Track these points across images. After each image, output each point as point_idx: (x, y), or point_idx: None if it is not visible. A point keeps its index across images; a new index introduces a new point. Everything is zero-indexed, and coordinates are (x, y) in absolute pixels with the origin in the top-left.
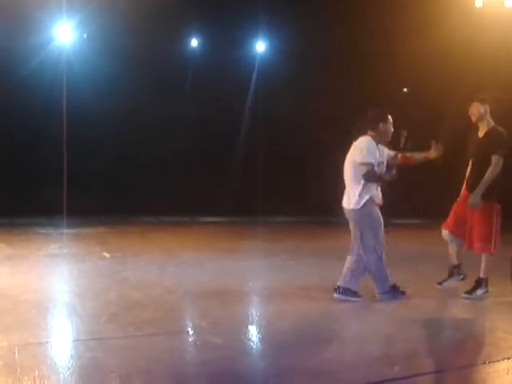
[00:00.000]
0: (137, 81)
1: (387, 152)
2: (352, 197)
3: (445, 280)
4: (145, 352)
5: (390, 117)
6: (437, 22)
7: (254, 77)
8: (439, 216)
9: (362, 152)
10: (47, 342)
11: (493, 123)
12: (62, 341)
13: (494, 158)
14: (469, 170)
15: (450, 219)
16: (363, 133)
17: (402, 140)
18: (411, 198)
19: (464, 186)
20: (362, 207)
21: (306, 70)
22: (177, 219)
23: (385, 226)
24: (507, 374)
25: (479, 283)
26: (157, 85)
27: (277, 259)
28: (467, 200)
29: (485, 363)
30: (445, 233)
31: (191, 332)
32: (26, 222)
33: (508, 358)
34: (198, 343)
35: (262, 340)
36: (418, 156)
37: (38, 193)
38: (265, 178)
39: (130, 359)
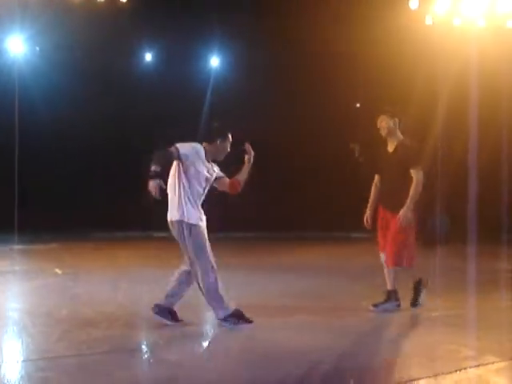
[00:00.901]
0: (90, 94)
1: (217, 172)
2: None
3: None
4: (98, 370)
5: (230, 136)
6: (387, 38)
7: (209, 91)
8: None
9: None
10: None
11: (401, 137)
12: (11, 361)
13: (414, 173)
14: (379, 186)
15: (380, 242)
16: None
17: (356, 153)
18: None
19: (378, 204)
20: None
21: (259, 85)
22: (131, 234)
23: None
24: None
25: (389, 296)
26: (110, 98)
27: (239, 275)
28: (388, 218)
29: (437, 375)
30: (381, 256)
31: (145, 349)
32: None
33: (459, 370)
34: (152, 361)
35: (217, 356)
36: (243, 171)
37: None
38: (221, 194)
39: (83, 378)
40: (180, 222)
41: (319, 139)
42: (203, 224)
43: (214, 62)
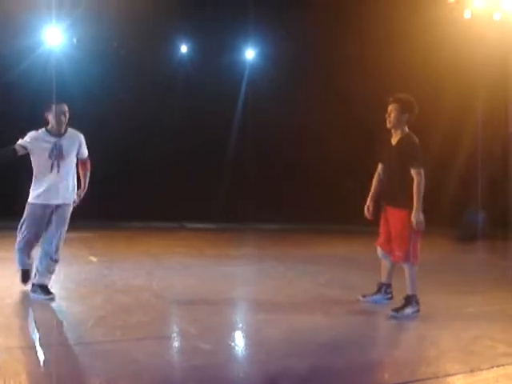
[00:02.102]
0: (127, 86)
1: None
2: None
3: (370, 294)
4: (132, 356)
5: (53, 106)
6: (426, 31)
7: (244, 83)
8: None
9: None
10: (32, 347)
11: (407, 131)
12: (47, 345)
13: (414, 173)
14: (382, 176)
15: (380, 235)
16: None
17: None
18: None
19: (381, 196)
20: None
21: (295, 77)
22: (165, 224)
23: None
24: (496, 382)
25: (408, 301)
26: (146, 90)
27: (266, 266)
28: (388, 212)
29: (473, 371)
30: (378, 250)
31: (179, 337)
32: (10, 225)
33: (497, 366)
34: (186, 349)
35: (250, 346)
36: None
37: (22, 197)
38: (254, 184)
39: (117, 363)
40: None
41: (351, 132)
42: (39, 201)
43: (250, 54)
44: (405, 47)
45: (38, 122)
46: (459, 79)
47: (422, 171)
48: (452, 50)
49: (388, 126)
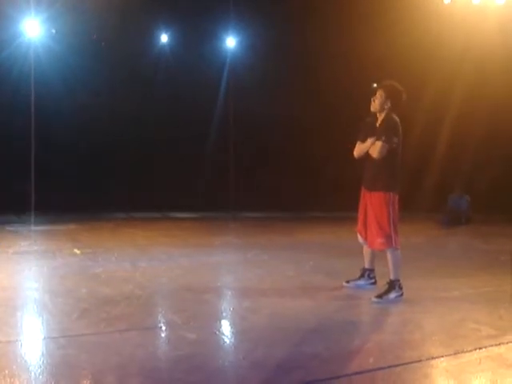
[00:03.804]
0: (106, 76)
1: None
2: None
3: (354, 280)
4: (117, 348)
5: None
6: (405, 17)
7: (225, 72)
8: None
9: None
10: (17, 340)
11: (390, 114)
12: (32, 338)
13: (379, 144)
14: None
15: (359, 221)
16: None
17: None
18: None
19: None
20: None
21: (276, 65)
22: (148, 215)
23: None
24: (479, 363)
25: (391, 286)
26: (127, 80)
27: (250, 254)
28: (366, 197)
29: (457, 354)
30: (359, 236)
31: (164, 327)
32: None
33: (479, 348)
34: (171, 339)
35: (236, 335)
36: None
37: (5, 189)
38: (236, 173)
39: (103, 356)
40: None
41: (335, 120)
42: None
43: (231, 42)
44: (386, 34)
45: (17, 112)
46: (440, 64)
47: (386, 147)
48: (433, 35)
49: (372, 109)
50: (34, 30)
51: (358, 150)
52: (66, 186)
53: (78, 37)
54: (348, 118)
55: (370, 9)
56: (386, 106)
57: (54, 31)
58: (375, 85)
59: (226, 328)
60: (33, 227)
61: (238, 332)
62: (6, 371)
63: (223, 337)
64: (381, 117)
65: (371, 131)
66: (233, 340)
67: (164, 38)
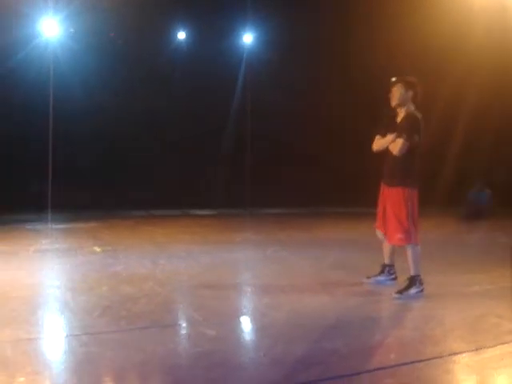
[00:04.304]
0: (124, 74)
1: None
2: None
3: (374, 275)
4: (138, 345)
5: None
6: (424, 8)
7: (242, 68)
8: None
9: None
10: (39, 338)
11: (412, 108)
12: (54, 336)
13: (400, 141)
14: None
15: (378, 217)
16: None
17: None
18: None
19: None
20: None
21: (294, 61)
22: (167, 212)
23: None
24: (501, 359)
25: (412, 281)
26: (144, 78)
27: (269, 251)
28: (385, 193)
29: (478, 349)
30: (377, 232)
31: (184, 324)
32: (15, 218)
33: (502, 344)
34: (191, 335)
35: (256, 331)
36: None
37: (25, 188)
38: (254, 169)
39: (124, 353)
40: None
41: (355, 114)
42: None
43: (247, 38)
44: (401, 28)
45: (35, 112)
46: (462, 54)
47: (407, 145)
48: (453, 23)
49: (392, 104)
50: (52, 30)
51: (378, 144)
52: (85, 185)
53: (96, 36)
54: (367, 111)
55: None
56: (405, 101)
57: (72, 30)
58: (393, 79)
59: (245, 325)
60: (53, 225)
61: (257, 328)
62: (29, 369)
63: (243, 333)
64: (401, 112)
65: (391, 126)
66: (253, 336)
67: (181, 35)
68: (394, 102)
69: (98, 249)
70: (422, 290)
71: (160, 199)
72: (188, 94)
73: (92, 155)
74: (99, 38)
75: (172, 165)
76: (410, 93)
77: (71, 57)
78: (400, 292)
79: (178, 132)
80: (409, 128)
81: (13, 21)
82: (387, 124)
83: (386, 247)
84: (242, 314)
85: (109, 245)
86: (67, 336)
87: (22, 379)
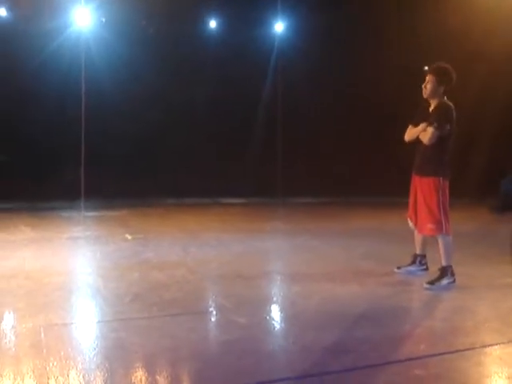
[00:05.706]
0: (156, 64)
1: None
2: None
3: (405, 266)
4: (169, 332)
5: None
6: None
7: (273, 57)
8: None
9: None
10: (72, 323)
11: (444, 99)
12: (86, 322)
13: (429, 129)
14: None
15: (409, 207)
16: None
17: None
18: None
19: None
20: None
21: (327, 50)
22: (198, 200)
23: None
24: None
25: (444, 272)
26: (176, 67)
27: (300, 240)
28: (416, 182)
29: (511, 341)
30: (409, 222)
31: (215, 312)
32: (48, 205)
33: None
34: (221, 323)
35: (286, 319)
36: None
37: (58, 176)
38: (285, 158)
39: (155, 339)
40: None
41: (389, 103)
42: None
43: (279, 27)
44: (440, 13)
45: (68, 101)
46: (495, 40)
47: (437, 134)
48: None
49: (424, 95)
50: (84, 19)
51: (410, 134)
52: (117, 173)
53: (128, 25)
54: (398, 102)
55: None
56: (438, 90)
57: (103, 20)
58: (426, 68)
59: (275, 313)
60: (85, 213)
61: (287, 317)
62: (62, 353)
63: (273, 321)
64: (434, 102)
65: (423, 116)
66: (283, 325)
67: (212, 24)
68: (426, 94)
69: (129, 236)
70: (453, 281)
71: (191, 187)
72: (220, 82)
73: (124, 143)
74: (131, 27)
75: (203, 153)
76: (442, 88)
77: (103, 46)
78: (431, 282)
79: (209, 120)
80: (440, 117)
81: (45, 11)
82: (420, 114)
83: (418, 237)
84: (272, 303)
85: (139, 232)
86: (99, 322)
87: (55, 363)
